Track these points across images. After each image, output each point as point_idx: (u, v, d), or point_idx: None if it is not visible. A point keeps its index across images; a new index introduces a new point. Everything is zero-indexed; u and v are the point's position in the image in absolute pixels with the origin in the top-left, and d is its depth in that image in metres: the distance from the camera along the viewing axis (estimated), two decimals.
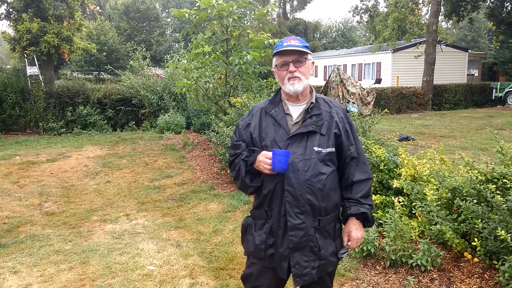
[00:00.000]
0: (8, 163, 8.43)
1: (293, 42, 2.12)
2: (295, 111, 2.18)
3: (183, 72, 9.20)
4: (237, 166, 2.20)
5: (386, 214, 4.64)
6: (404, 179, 4.76)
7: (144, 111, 13.63)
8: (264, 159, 2.05)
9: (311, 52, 2.20)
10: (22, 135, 12.37)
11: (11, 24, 12.15)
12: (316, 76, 31.26)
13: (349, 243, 2.19)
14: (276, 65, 2.19)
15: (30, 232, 4.92)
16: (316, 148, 2.06)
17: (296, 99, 2.19)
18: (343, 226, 2.26)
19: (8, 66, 20.56)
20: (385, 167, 5.12)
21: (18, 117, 12.33)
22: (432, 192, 4.19)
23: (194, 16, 8.43)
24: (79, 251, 4.38)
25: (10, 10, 12.19)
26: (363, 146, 5.74)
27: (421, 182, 4.72)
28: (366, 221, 2.18)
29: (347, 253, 2.21)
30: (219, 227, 4.99)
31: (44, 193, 6.40)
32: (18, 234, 4.87)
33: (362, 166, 2.17)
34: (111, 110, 13.52)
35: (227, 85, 8.79)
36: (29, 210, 5.72)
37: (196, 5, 8.40)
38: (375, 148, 5.37)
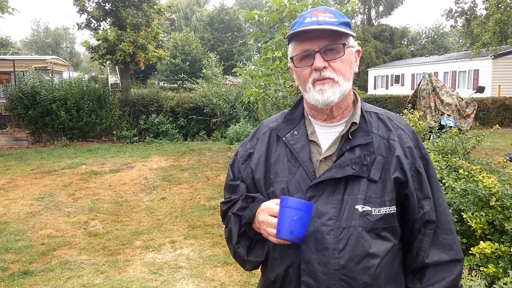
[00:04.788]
0: (72, 172, 8.28)
1: (321, 17, 1.16)
2: (326, 136, 1.26)
3: (251, 79, 8.46)
4: (229, 222, 1.29)
5: (500, 270, 3.41)
6: None
7: (215, 120, 13.18)
8: (266, 218, 1.14)
9: (353, 34, 1.20)
10: (97, 142, 12.50)
11: (92, 33, 12.41)
12: (402, 84, 29.11)
13: None
14: (292, 58, 1.23)
15: (64, 257, 4.38)
16: (360, 208, 1.15)
17: (329, 116, 1.24)
18: None
19: (101, 76, 21.61)
20: (498, 202, 3.81)
21: (94, 124, 12.49)
22: None
23: (264, 18, 7.65)
24: None
25: (90, 19, 12.46)
26: (465, 173, 4.46)
27: None
28: None
29: None
30: None
31: (95, 209, 5.95)
32: (51, 259, 4.35)
33: (444, 237, 1.22)
34: (183, 119, 13.27)
35: (299, 94, 7.87)
36: (74, 228, 5.26)
37: (267, 5, 7.63)
38: (482, 175, 4.07)
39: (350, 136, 1.20)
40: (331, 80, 1.17)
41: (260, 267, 1.33)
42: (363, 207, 1.14)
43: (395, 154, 1.19)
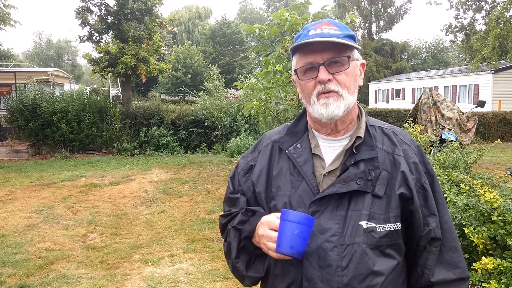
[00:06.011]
0: (72, 185, 8.25)
1: (326, 29, 1.15)
2: (330, 150, 1.23)
3: (251, 92, 8.48)
4: (229, 236, 1.26)
5: (503, 286, 3.35)
6: None
7: (216, 133, 13.19)
8: (266, 232, 1.11)
9: (358, 47, 1.18)
10: (98, 155, 12.48)
11: (93, 46, 12.48)
12: (403, 98, 29.19)
13: None
14: (296, 71, 1.21)
15: (61, 271, 4.32)
16: (365, 224, 1.12)
17: (333, 130, 1.22)
18: None
19: (103, 88, 21.70)
20: (500, 217, 3.77)
21: (95, 137, 12.49)
22: None
23: (265, 31, 7.70)
24: None
25: (92, 32, 12.54)
26: (467, 187, 4.42)
27: None
28: None
29: None
30: None
31: (93, 222, 5.90)
32: (48, 272, 4.30)
33: (449, 255, 1.19)
34: (184, 132, 13.27)
35: (300, 107, 7.87)
36: (72, 242, 5.21)
37: (268, 18, 7.69)
38: (484, 190, 4.03)
39: (354, 151, 1.18)
40: (336, 93, 1.16)
41: (260, 283, 1.30)
42: (367, 223, 1.11)
43: (400, 169, 1.17)
